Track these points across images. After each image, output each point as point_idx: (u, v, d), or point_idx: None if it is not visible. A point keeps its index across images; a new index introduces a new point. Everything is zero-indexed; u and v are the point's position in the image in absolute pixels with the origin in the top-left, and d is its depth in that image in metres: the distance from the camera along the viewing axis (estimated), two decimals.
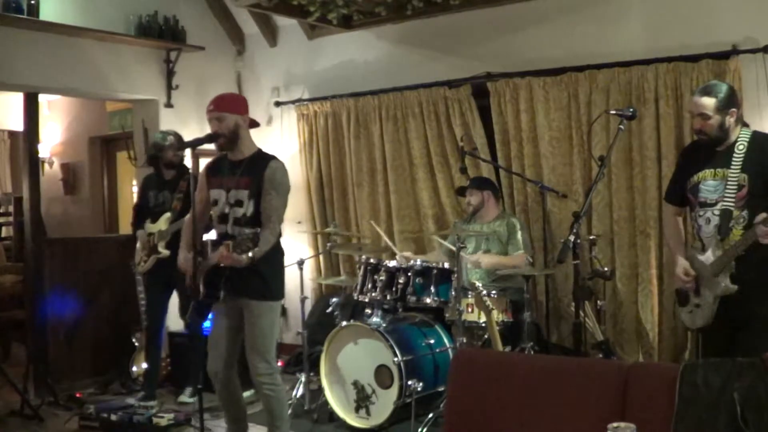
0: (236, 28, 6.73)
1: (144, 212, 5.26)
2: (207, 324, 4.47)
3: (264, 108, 6.58)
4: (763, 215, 3.22)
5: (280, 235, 3.86)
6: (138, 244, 5.24)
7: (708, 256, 3.50)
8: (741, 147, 3.48)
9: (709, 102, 3.47)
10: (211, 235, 4.04)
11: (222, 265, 3.71)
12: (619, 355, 4.84)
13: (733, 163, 3.47)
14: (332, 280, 5.57)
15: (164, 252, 5.05)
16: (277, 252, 3.89)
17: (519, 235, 4.95)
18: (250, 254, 3.53)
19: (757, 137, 3.53)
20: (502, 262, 4.85)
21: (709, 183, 3.54)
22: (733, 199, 3.45)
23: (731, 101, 3.50)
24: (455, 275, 4.53)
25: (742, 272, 3.39)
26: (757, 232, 3.23)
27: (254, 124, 3.99)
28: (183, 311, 5.24)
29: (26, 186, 5.67)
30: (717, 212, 3.49)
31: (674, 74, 4.60)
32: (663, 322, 4.77)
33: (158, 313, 5.27)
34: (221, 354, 3.90)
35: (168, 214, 5.09)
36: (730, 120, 3.50)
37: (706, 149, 3.61)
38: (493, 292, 4.57)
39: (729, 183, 3.46)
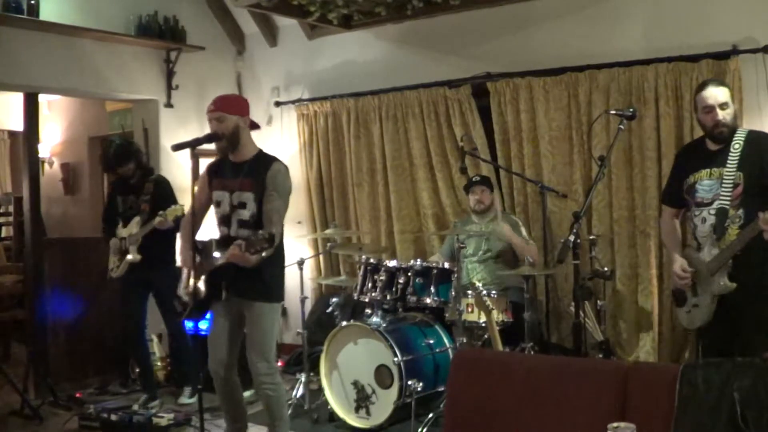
0: (236, 28, 6.73)
1: (114, 218, 5.17)
2: (206, 323, 4.45)
3: (264, 108, 6.58)
4: None
5: (281, 236, 3.85)
6: (111, 250, 5.14)
7: (704, 256, 3.50)
8: (737, 146, 3.49)
9: (725, 91, 3.53)
10: (214, 234, 4.02)
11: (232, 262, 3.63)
12: (619, 355, 4.84)
13: (729, 161, 3.48)
14: (332, 280, 5.56)
15: (135, 256, 4.96)
16: (278, 254, 3.88)
17: (523, 230, 4.97)
18: (263, 254, 3.47)
19: (753, 135, 3.54)
20: (515, 242, 4.88)
21: (705, 183, 3.55)
22: (728, 198, 3.45)
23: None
24: (455, 275, 4.54)
25: (740, 272, 3.39)
26: (759, 223, 3.20)
27: (254, 126, 3.97)
28: (168, 314, 5.18)
29: (26, 186, 5.67)
30: (713, 211, 3.49)
31: (674, 74, 4.60)
32: (663, 322, 4.77)
33: (137, 317, 5.21)
34: (220, 354, 3.90)
35: (138, 218, 5.01)
36: (736, 112, 3.56)
37: (702, 150, 3.62)
38: (493, 292, 4.58)
39: (725, 181, 3.46)
